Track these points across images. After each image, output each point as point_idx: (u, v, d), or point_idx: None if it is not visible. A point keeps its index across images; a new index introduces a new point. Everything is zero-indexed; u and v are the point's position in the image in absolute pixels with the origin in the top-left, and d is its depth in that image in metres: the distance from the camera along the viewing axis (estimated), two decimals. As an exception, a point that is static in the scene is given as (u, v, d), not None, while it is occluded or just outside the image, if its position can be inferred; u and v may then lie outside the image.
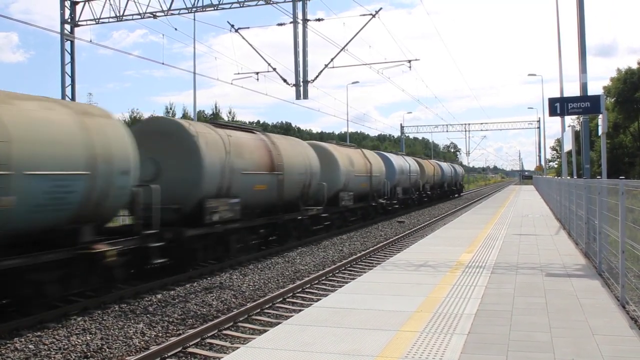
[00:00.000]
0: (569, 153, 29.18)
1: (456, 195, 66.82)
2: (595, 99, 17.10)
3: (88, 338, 9.76)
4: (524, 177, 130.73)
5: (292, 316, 9.25)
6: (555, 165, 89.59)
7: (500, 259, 13.09)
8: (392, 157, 39.01)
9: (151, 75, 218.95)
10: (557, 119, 24.51)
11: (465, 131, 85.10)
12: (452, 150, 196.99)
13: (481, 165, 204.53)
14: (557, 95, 25.22)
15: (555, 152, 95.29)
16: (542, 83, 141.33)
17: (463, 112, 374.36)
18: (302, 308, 10.39)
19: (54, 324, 10.57)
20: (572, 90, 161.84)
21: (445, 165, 62.56)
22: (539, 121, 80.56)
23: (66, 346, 9.35)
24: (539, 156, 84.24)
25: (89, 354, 9.04)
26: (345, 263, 17.41)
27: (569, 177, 23.64)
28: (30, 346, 9.31)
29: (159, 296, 12.92)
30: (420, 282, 10.44)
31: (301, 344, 6.72)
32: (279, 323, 8.82)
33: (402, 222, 32.78)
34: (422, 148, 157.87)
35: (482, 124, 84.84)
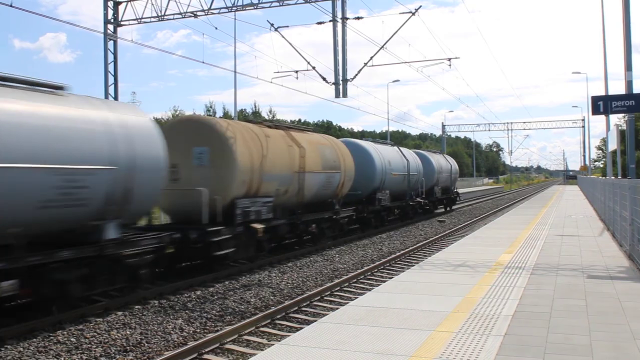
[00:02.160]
0: (614, 152, 28.56)
1: (447, 209, 41.86)
2: (640, 96, 16.71)
3: (128, 332, 9.94)
4: (568, 177, 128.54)
5: (328, 314, 9.27)
6: (601, 165, 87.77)
7: (540, 260, 12.90)
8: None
9: (194, 74, 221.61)
10: (603, 117, 23.98)
11: (508, 130, 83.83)
12: (495, 149, 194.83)
13: (524, 164, 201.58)
14: (602, 93, 24.70)
15: (600, 151, 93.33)
16: (587, 81, 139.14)
17: (506, 111, 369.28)
18: (339, 306, 10.39)
19: (95, 318, 10.79)
20: (618, 88, 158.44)
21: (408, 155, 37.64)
22: (583, 120, 78.98)
23: (106, 340, 9.53)
24: (584, 156, 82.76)
25: (128, 348, 9.20)
26: (383, 262, 17.37)
27: (613, 177, 23.14)
28: (72, 339, 9.52)
29: (198, 293, 13.08)
30: (458, 282, 10.36)
31: (335, 342, 6.73)
32: (315, 321, 8.85)
33: (442, 222, 32.55)
34: (464, 147, 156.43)
35: (525, 122, 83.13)
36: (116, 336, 9.74)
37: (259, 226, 16.33)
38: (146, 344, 9.41)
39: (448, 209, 41.92)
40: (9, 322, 10.03)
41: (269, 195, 17.30)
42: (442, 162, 40.40)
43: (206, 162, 15.77)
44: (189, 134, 16.09)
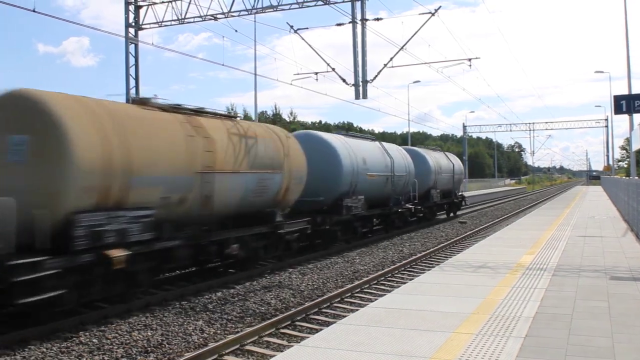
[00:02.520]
0: (638, 152, 28.25)
1: (450, 216, 36.84)
2: (665, 96, 16.52)
3: (149, 334, 10.01)
4: (592, 177, 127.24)
5: (347, 316, 9.27)
6: (625, 165, 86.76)
7: (562, 261, 12.79)
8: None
9: (215, 77, 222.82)
10: (627, 117, 23.71)
11: (530, 130, 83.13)
12: (517, 150, 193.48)
13: (546, 165, 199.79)
14: (625, 92, 24.43)
15: (624, 151, 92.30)
16: (610, 80, 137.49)
17: (527, 111, 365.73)
18: (359, 308, 10.39)
19: (117, 319, 10.88)
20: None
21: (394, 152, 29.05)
22: (606, 120, 78.05)
23: (128, 341, 9.61)
24: (607, 156, 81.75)
25: (149, 349, 9.27)
26: (404, 263, 17.33)
27: (637, 177, 22.87)
28: (94, 340, 9.61)
29: (219, 294, 13.14)
30: (478, 284, 10.30)
31: (354, 344, 6.73)
32: (334, 322, 8.85)
33: (464, 223, 32.40)
34: (485, 148, 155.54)
35: (547, 122, 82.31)
36: (137, 337, 9.82)
37: (118, 253, 10.93)
38: (167, 345, 9.47)
39: (451, 214, 36.57)
40: (26, 323, 10.15)
41: (147, 206, 11.96)
42: (442, 160, 34.47)
43: (24, 157, 10.44)
44: (5, 117, 10.78)
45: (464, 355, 6.26)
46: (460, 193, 38.72)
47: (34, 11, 15.61)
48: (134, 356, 8.97)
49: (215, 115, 15.28)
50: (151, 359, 8.90)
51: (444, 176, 33.59)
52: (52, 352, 9.01)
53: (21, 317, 10.19)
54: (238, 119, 17.34)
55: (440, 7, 23.04)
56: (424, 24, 23.07)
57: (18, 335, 9.50)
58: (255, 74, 35.04)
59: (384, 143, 26.85)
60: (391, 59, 24.08)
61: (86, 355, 8.92)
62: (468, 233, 26.32)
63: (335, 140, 21.35)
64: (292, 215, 18.23)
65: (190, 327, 10.50)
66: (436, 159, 32.75)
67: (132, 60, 25.48)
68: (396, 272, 16.30)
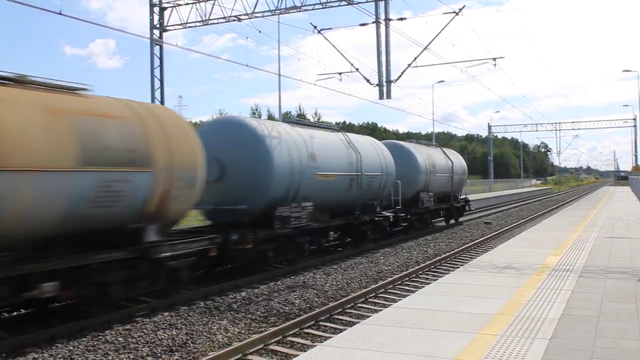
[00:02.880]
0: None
1: (450, 223, 31.31)
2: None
3: (174, 333, 10.09)
4: (619, 177, 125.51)
5: (370, 316, 9.26)
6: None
7: (589, 263, 12.64)
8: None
9: (240, 77, 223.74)
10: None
11: (556, 130, 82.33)
12: (543, 150, 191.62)
13: (573, 165, 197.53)
14: (654, 92, 24.05)
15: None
16: (639, 79, 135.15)
17: (553, 111, 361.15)
18: (383, 308, 10.37)
19: (142, 318, 10.99)
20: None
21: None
22: (635, 119, 76.98)
23: (153, 340, 9.70)
24: (635, 156, 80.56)
25: (174, 348, 9.34)
26: (428, 264, 17.26)
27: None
28: (119, 339, 9.71)
29: (243, 294, 13.20)
30: (503, 285, 10.23)
31: (377, 344, 6.72)
32: (358, 322, 8.84)
33: (489, 223, 32.17)
34: (511, 148, 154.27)
35: (573, 122, 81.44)
36: (162, 336, 9.90)
37: None
38: (191, 344, 9.54)
39: (452, 221, 31.35)
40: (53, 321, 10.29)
41: None
42: (438, 158, 28.66)
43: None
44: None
45: (488, 356, 6.22)
46: (463, 196, 33.28)
47: (59, 14, 15.79)
48: (159, 355, 9.05)
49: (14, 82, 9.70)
50: (176, 358, 8.97)
51: (440, 177, 28.01)
52: (78, 350, 9.11)
53: (42, 316, 10.35)
54: (80, 92, 10.81)
55: (464, 6, 22.89)
56: (448, 23, 22.94)
57: (46, 334, 9.64)
58: (280, 75, 35.10)
59: (350, 134, 21.11)
60: (415, 58, 23.98)
61: (112, 354, 9.01)
62: (493, 234, 26.13)
63: (263, 128, 15.86)
64: (191, 233, 14.41)
65: (214, 326, 10.56)
66: (429, 156, 27.28)
67: (157, 62, 25.71)
68: (420, 272, 16.25)
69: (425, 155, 26.75)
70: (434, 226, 29.24)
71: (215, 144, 14.95)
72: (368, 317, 9.96)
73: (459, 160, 32.64)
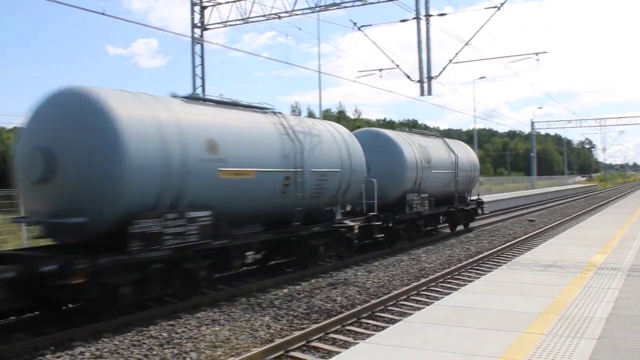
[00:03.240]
0: None
1: (455, 231, 25.87)
2: None
3: (217, 329, 10.19)
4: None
5: (413, 314, 9.21)
6: None
7: (637, 261, 12.37)
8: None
9: (280, 75, 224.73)
10: None
11: (600, 126, 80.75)
12: (587, 146, 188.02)
13: (619, 162, 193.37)
14: None
15: None
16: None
17: (598, 106, 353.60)
18: (425, 306, 10.31)
19: (185, 314, 11.12)
20: None
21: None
22: (684, 114, 74.84)
23: (196, 335, 9.81)
24: (685, 152, 78.48)
25: (217, 343, 9.43)
26: (471, 262, 17.10)
27: None
28: (163, 334, 9.85)
29: (285, 290, 13.26)
30: (548, 283, 10.07)
31: (420, 342, 6.68)
32: (400, 320, 8.81)
33: (532, 221, 31.72)
34: (554, 145, 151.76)
35: (618, 118, 79.90)
36: (205, 332, 10.00)
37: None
38: (234, 340, 9.61)
39: (460, 227, 26.23)
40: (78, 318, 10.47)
41: None
42: (436, 151, 23.30)
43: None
44: None
45: (534, 355, 6.13)
46: (476, 197, 28.27)
47: (103, 14, 16.04)
48: (202, 350, 9.14)
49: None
50: (219, 354, 9.05)
51: (438, 174, 22.79)
52: (124, 345, 9.27)
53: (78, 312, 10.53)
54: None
55: (506, 0, 22.55)
56: (490, 18, 22.63)
57: (93, 328, 9.84)
58: (320, 72, 35.11)
59: (292, 117, 16.52)
60: (456, 54, 23.71)
61: (156, 349, 9.14)
62: (537, 231, 25.73)
63: (109, 100, 10.60)
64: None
65: (257, 322, 10.62)
66: (422, 148, 21.92)
67: (198, 60, 25.93)
68: (463, 270, 16.10)
69: (416, 147, 21.46)
70: (438, 233, 24.70)
71: (44, 130, 10.81)
72: (410, 314, 9.91)
73: (467, 154, 27.10)
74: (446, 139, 26.03)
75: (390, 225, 19.41)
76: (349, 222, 16.84)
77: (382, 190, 18.87)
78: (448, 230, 25.74)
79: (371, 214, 18.26)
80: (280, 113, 15.46)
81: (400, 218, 19.98)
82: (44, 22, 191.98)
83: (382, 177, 19.02)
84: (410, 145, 21.07)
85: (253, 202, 13.36)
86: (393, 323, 9.46)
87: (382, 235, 18.95)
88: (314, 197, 15.37)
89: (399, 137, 20.96)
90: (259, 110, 14.83)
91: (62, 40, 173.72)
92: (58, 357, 8.69)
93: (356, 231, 16.96)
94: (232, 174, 12.52)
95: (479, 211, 28.09)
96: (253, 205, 13.44)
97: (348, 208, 18.49)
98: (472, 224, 27.49)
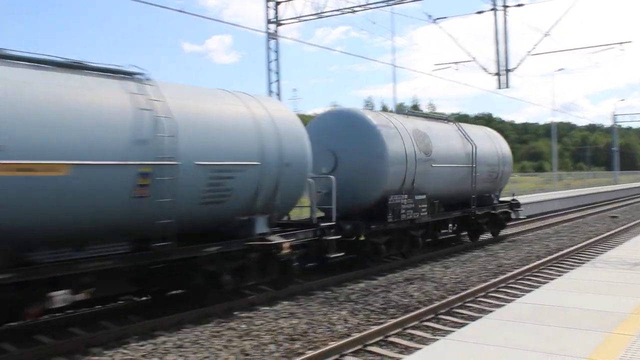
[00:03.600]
0: None
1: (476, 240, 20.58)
2: None
3: (294, 322, 10.28)
4: None
5: (493, 311, 9.05)
6: None
7: None
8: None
9: (354, 70, 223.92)
10: None
11: (690, 119, 77.05)
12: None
13: None
14: None
15: None
16: None
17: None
18: (505, 303, 10.12)
19: (263, 306, 11.30)
20: None
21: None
22: None
23: (274, 328, 9.93)
24: None
25: (294, 336, 9.51)
26: (551, 259, 16.65)
27: None
28: (242, 326, 10.02)
29: (361, 285, 13.28)
30: (636, 282, 9.71)
31: (503, 340, 6.55)
32: (479, 317, 8.68)
33: (615, 217, 30.65)
34: (637, 138, 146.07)
35: None
36: (283, 325, 10.11)
37: None
38: (312, 334, 9.68)
39: (485, 236, 21.08)
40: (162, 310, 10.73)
41: None
42: (441, 138, 17.75)
43: None
44: None
45: (624, 357, 5.92)
46: (510, 198, 22.69)
47: (181, 11, 16.43)
48: (281, 343, 9.24)
49: None
50: (297, 347, 9.13)
51: (445, 169, 17.42)
52: (204, 335, 9.48)
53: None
54: None
55: (589, -11, 21.80)
56: (570, 8, 21.99)
57: (176, 318, 10.13)
58: (394, 66, 34.92)
59: (153, 83, 9.98)
60: (535, 46, 23.17)
61: (236, 340, 9.29)
62: (620, 228, 24.82)
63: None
64: None
65: (334, 316, 10.67)
66: (419, 134, 16.62)
67: (272, 56, 26.20)
68: (543, 267, 15.70)
69: (409, 134, 16.09)
70: (442, 247, 18.38)
71: None
72: (490, 312, 9.73)
73: (492, 144, 21.11)
74: (463, 125, 20.24)
75: (363, 238, 14.67)
76: (274, 239, 11.48)
77: (354, 190, 14.52)
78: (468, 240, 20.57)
79: (324, 224, 13.25)
80: (140, 79, 9.85)
81: (379, 228, 15.01)
82: (126, 20, 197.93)
83: (354, 173, 14.65)
84: (397, 131, 15.76)
85: (74, 212, 8.58)
86: (473, 320, 9.34)
87: (340, 255, 13.49)
88: (206, 204, 10.42)
89: (379, 120, 15.66)
90: (108, 73, 9.56)
91: (141, 38, 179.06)
92: (142, 346, 8.98)
93: (285, 251, 11.50)
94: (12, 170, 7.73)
95: (512, 215, 22.36)
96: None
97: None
98: (507, 231, 22.83)
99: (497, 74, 22.02)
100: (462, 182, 18.58)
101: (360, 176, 14.75)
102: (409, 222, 15.91)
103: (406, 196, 15.68)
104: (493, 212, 20.78)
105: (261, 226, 11.57)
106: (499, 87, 22.42)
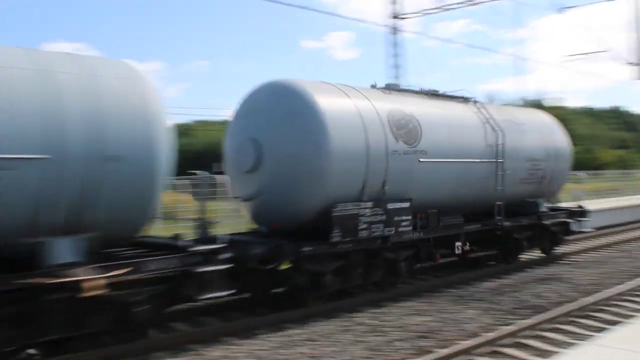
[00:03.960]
0: None
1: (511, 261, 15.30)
2: None
3: (422, 319, 10.12)
4: None
5: (636, 316, 8.47)
6: None
7: None
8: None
9: (476, 63, 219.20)
10: None
11: None
12: None
13: None
14: None
15: None
16: None
17: None
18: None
19: (389, 303, 11.21)
20: None
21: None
22: None
23: (401, 325, 9.81)
24: None
25: (422, 334, 9.34)
26: None
27: None
28: (368, 321, 9.98)
29: (487, 284, 12.93)
30: None
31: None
32: (618, 322, 8.14)
33: None
34: None
35: None
36: (410, 322, 9.97)
37: None
38: (440, 332, 9.46)
39: (530, 254, 16.55)
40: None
41: None
42: (442, 124, 12.78)
43: None
44: None
45: None
46: (573, 205, 17.58)
47: (301, 7, 16.60)
48: (409, 340, 9.08)
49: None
50: (426, 344, 8.93)
51: (443, 164, 12.57)
52: (332, 330, 9.53)
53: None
54: None
55: None
56: None
57: (302, 311, 10.34)
58: (517, 58, 33.71)
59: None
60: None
61: (363, 335, 9.25)
62: None
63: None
64: None
65: (460, 315, 10.42)
66: (395, 114, 11.78)
67: (394, 50, 26.07)
68: None
69: (379, 115, 11.48)
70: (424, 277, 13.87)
71: None
72: (633, 316, 9.12)
73: (538, 131, 15.81)
74: (489, 105, 15.33)
75: (287, 266, 10.10)
76: (85, 272, 7.51)
77: (285, 196, 10.56)
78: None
79: (200, 248, 8.75)
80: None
81: (319, 251, 10.43)
82: (246, 19, 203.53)
83: (284, 171, 10.56)
84: (358, 111, 11.18)
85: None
86: (614, 324, 8.80)
87: (222, 294, 9.03)
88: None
89: (324, 94, 10.95)
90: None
91: (261, 36, 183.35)
92: (271, 337, 9.13)
93: (92, 292, 7.44)
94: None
95: (573, 227, 16.76)
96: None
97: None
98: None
99: (637, 63, 20.75)
100: (479, 183, 13.62)
101: (291, 176, 10.48)
102: (379, 241, 11.34)
103: (370, 204, 11.04)
104: (543, 222, 15.66)
105: (62, 253, 7.58)
106: (638, 78, 21.11)
